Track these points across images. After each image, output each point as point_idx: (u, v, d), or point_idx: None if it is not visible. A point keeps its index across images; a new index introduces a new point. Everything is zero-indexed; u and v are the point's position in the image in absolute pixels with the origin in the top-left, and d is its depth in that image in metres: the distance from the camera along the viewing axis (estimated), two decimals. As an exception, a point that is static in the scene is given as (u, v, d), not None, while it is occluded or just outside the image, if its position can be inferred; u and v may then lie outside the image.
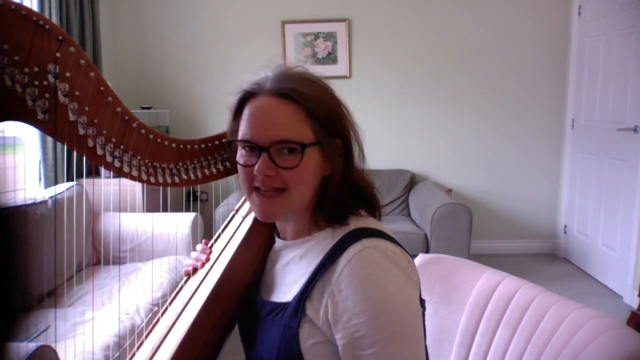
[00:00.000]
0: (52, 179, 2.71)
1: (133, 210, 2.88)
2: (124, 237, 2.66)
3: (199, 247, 1.00)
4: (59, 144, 2.72)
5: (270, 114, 0.78)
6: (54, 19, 2.69)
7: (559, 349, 0.89)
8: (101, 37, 3.30)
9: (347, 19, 3.75)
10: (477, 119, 3.82)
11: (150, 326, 0.90)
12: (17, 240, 0.36)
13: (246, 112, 0.81)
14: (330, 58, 3.79)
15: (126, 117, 0.83)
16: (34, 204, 2.20)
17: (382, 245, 0.77)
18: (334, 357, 0.77)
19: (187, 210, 3.40)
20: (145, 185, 0.90)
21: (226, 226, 1.03)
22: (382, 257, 0.76)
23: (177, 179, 0.91)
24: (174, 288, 2.08)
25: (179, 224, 2.67)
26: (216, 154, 0.95)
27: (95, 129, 0.80)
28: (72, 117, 0.77)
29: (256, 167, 0.77)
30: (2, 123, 0.74)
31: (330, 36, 3.77)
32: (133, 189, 2.91)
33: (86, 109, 0.78)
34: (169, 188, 0.92)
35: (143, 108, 3.50)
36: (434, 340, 1.16)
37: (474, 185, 3.88)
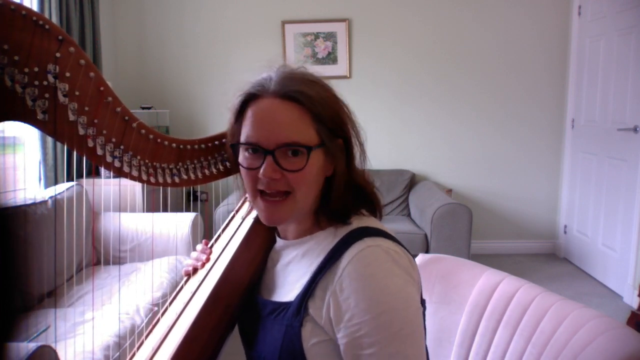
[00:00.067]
0: (52, 179, 2.71)
1: (133, 210, 2.88)
2: (124, 237, 2.66)
3: (199, 247, 1.00)
4: (59, 144, 2.72)
5: (275, 116, 0.77)
6: (54, 19, 2.69)
7: (559, 349, 0.89)
8: (101, 37, 3.30)
9: (347, 19, 3.75)
10: (477, 119, 3.82)
11: (151, 326, 0.90)
12: (17, 240, 0.36)
13: (249, 114, 0.80)
14: (330, 58, 3.79)
15: (126, 117, 0.83)
16: (34, 204, 2.20)
17: (384, 244, 0.77)
18: (336, 356, 0.77)
19: (187, 210, 3.40)
20: (145, 185, 0.90)
21: (226, 226, 1.03)
22: (384, 256, 0.76)
23: (177, 179, 0.91)
24: (174, 288, 2.08)
25: (179, 224, 2.67)
26: (216, 154, 0.94)
27: (95, 129, 0.80)
28: (72, 117, 0.77)
29: (262, 170, 0.77)
30: (2, 123, 0.74)
31: (330, 36, 3.77)
32: (133, 189, 2.91)
33: (86, 109, 0.78)
34: (169, 188, 0.92)
35: (143, 108, 3.50)
36: (434, 340, 1.16)
37: (474, 185, 3.88)
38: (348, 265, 0.75)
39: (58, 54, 0.74)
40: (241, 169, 0.82)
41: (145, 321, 1.93)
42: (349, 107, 0.85)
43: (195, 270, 0.96)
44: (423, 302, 0.83)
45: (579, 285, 3.27)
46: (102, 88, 0.79)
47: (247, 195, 0.97)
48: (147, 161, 0.87)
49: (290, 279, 0.85)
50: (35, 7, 2.61)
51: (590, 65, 3.45)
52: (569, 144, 3.74)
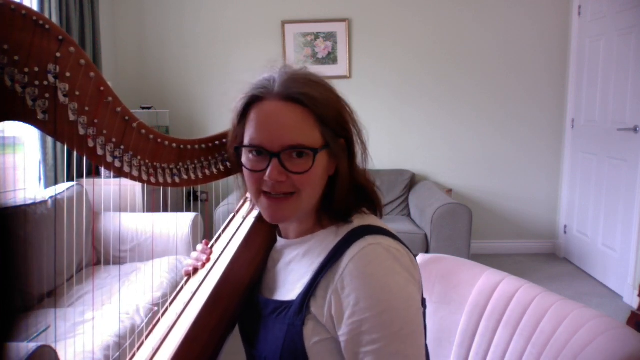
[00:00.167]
0: (52, 179, 2.71)
1: (133, 210, 2.88)
2: (124, 237, 2.66)
3: (199, 247, 1.00)
4: (59, 144, 2.72)
5: (280, 118, 0.77)
6: (54, 19, 2.69)
7: (559, 349, 0.89)
8: (101, 37, 3.30)
9: (347, 19, 3.75)
10: (477, 119, 3.82)
11: (151, 326, 0.90)
12: (17, 240, 0.36)
13: (253, 117, 0.80)
14: (330, 58, 3.79)
15: (126, 117, 0.83)
16: (34, 204, 2.20)
17: (385, 242, 0.77)
18: (338, 355, 0.77)
19: (188, 210, 3.40)
20: (145, 185, 0.90)
21: (227, 226, 1.03)
22: (385, 254, 0.76)
23: (177, 179, 0.91)
24: (174, 288, 2.08)
25: (179, 224, 2.67)
26: (217, 154, 0.94)
27: (95, 129, 0.80)
28: (72, 117, 0.77)
29: (267, 173, 0.77)
30: (2, 123, 0.74)
31: (330, 36, 3.77)
32: (133, 189, 2.91)
33: (86, 109, 0.78)
34: (169, 188, 0.92)
35: (143, 108, 3.50)
36: (434, 340, 1.16)
37: (474, 185, 3.88)
38: (349, 264, 0.75)
39: (58, 54, 0.74)
40: (245, 170, 0.82)
41: (145, 321, 1.93)
42: (351, 107, 0.85)
43: (195, 270, 0.96)
44: (424, 301, 0.83)
45: (579, 285, 3.27)
46: (102, 88, 0.79)
47: (247, 195, 0.98)
48: (147, 161, 0.87)
49: (291, 278, 0.85)
50: (35, 7, 2.61)
51: (590, 65, 3.45)
52: (569, 144, 3.74)
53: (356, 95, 3.70)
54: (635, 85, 2.93)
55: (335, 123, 0.80)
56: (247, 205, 1.02)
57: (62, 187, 2.46)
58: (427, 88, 3.81)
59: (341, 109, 0.82)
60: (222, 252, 0.95)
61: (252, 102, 0.81)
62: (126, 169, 0.85)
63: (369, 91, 3.80)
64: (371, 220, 0.83)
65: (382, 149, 3.80)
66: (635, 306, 2.72)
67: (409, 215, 3.58)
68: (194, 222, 2.70)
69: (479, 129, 3.83)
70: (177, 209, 3.37)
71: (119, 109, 0.82)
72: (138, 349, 0.86)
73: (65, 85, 0.75)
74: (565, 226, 3.80)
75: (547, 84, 3.78)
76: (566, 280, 3.38)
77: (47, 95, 0.74)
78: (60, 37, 0.74)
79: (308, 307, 0.78)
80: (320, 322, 0.77)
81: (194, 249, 1.01)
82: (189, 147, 0.92)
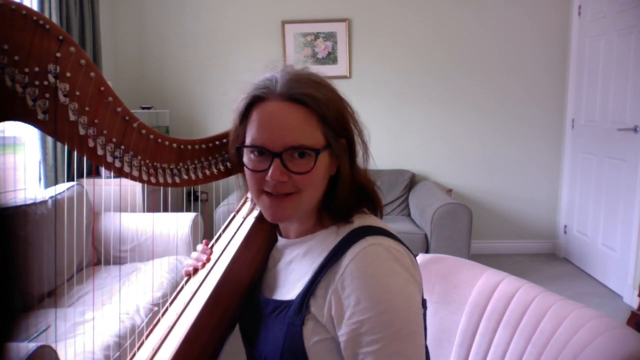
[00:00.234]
0: (52, 179, 2.71)
1: (133, 210, 2.88)
2: (124, 237, 2.66)
3: (199, 247, 1.00)
4: (59, 144, 2.72)
5: (282, 119, 0.77)
6: (54, 19, 2.69)
7: (559, 349, 0.89)
8: (101, 37, 3.30)
9: (347, 19, 3.75)
10: (477, 119, 3.83)
11: (151, 326, 0.90)
12: (17, 240, 0.36)
13: (255, 117, 0.80)
14: (330, 58, 3.79)
15: (127, 117, 0.83)
16: (34, 204, 2.20)
17: (386, 243, 0.77)
18: (338, 355, 0.77)
19: (188, 210, 3.40)
20: (145, 185, 0.90)
21: (227, 226, 1.03)
22: (385, 254, 0.76)
23: (177, 179, 0.91)
24: (174, 288, 2.08)
25: (179, 224, 2.67)
26: (217, 154, 0.94)
27: (95, 129, 0.80)
28: (72, 117, 0.77)
29: (269, 173, 0.77)
30: (2, 123, 0.74)
31: (330, 36, 3.77)
32: (133, 189, 2.91)
33: (87, 109, 0.78)
34: (169, 188, 0.92)
35: (143, 108, 3.50)
36: (434, 340, 1.16)
37: (474, 185, 3.88)
38: (350, 264, 0.75)
39: (58, 54, 0.74)
40: (246, 170, 0.82)
41: (145, 321, 1.93)
42: (353, 107, 0.85)
43: (195, 270, 0.96)
44: (424, 302, 0.83)
45: (579, 285, 3.27)
46: (102, 88, 0.79)
47: (248, 195, 0.98)
48: (147, 161, 0.87)
49: (292, 278, 0.85)
50: (35, 7, 2.61)
51: (590, 65, 3.45)
52: (569, 144, 3.74)
53: (356, 95, 3.67)
54: (635, 85, 2.93)
55: (336, 123, 0.80)
56: (248, 205, 1.02)
57: (62, 187, 2.46)
58: (427, 88, 3.81)
59: (343, 109, 0.82)
60: (223, 252, 0.95)
61: (254, 102, 0.81)
62: (126, 169, 0.85)
63: (369, 91, 3.80)
64: (372, 220, 0.83)
65: (382, 149, 3.80)
66: (635, 306, 2.72)
67: (409, 215, 3.58)
68: (194, 222, 2.70)
69: (479, 129, 3.83)
70: (177, 209, 3.37)
71: (119, 109, 0.82)
72: (138, 348, 0.86)
73: (66, 85, 0.75)
74: (565, 226, 3.80)
75: (547, 84, 3.78)
76: (566, 280, 3.38)
77: (47, 95, 0.74)
78: (61, 37, 0.74)
79: (308, 307, 0.78)
80: (320, 322, 0.77)
81: (194, 249, 1.01)
82: (189, 147, 0.92)
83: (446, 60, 3.78)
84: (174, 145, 0.90)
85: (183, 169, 0.92)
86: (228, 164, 0.95)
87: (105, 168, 0.83)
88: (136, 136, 0.85)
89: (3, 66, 0.70)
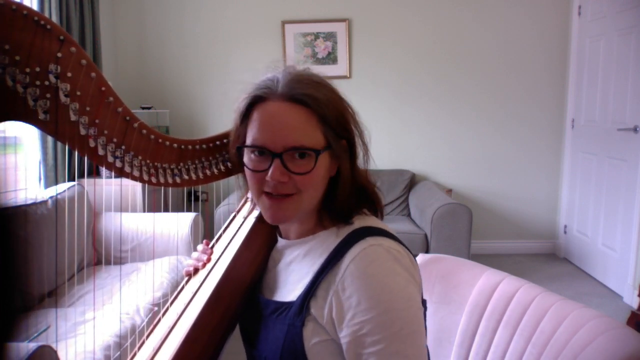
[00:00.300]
0: (52, 179, 2.71)
1: (134, 210, 2.88)
2: (125, 237, 2.66)
3: (200, 247, 1.00)
4: (59, 144, 2.72)
5: (283, 119, 0.77)
6: (54, 19, 2.69)
7: (559, 349, 0.89)
8: (101, 37, 3.30)
9: (347, 19, 3.75)
10: (477, 119, 3.83)
11: (152, 326, 0.90)
12: (17, 240, 0.36)
13: (256, 117, 0.80)
14: (330, 58, 3.79)
15: (127, 118, 0.83)
16: (34, 204, 2.20)
17: (386, 243, 0.77)
18: (338, 356, 0.77)
19: (188, 210, 3.40)
20: (146, 185, 0.90)
21: (227, 226, 1.03)
22: (385, 255, 0.76)
23: (178, 179, 0.91)
24: (175, 288, 2.08)
25: (179, 224, 2.67)
26: (217, 154, 0.94)
27: (96, 129, 0.80)
28: (73, 117, 0.77)
29: (269, 173, 0.77)
30: (3, 123, 0.74)
31: (330, 36, 3.77)
32: (133, 189, 2.91)
33: (87, 109, 0.78)
34: (169, 188, 0.92)
35: (143, 108, 3.50)
36: (434, 340, 1.16)
37: (474, 185, 3.89)
38: (350, 265, 0.75)
39: (59, 54, 0.74)
40: (246, 170, 0.82)
41: (145, 321, 1.93)
42: (353, 108, 0.85)
43: (196, 270, 0.96)
44: (424, 302, 0.83)
45: (579, 285, 3.27)
46: (103, 88, 0.80)
47: (248, 195, 0.98)
48: (148, 161, 0.87)
49: (292, 279, 0.85)
50: (35, 7, 2.61)
51: (590, 65, 3.45)
52: (569, 144, 3.74)
53: (356, 95, 3.67)
54: (635, 85, 2.93)
55: (337, 124, 0.80)
56: (248, 205, 1.02)
57: (62, 187, 2.46)
58: (427, 88, 3.81)
59: (344, 110, 0.82)
60: (223, 252, 0.95)
61: (255, 102, 0.81)
62: (127, 169, 0.85)
63: (369, 91, 3.80)
64: (372, 221, 0.84)
65: (382, 149, 3.80)
66: (635, 306, 2.72)
67: (409, 215, 3.58)
68: (194, 222, 2.70)
69: (479, 129, 3.83)
70: (177, 209, 3.38)
71: (120, 109, 0.82)
72: (139, 348, 0.86)
73: (67, 85, 0.75)
74: (565, 226, 3.80)
75: (547, 84, 3.78)
76: (566, 280, 3.38)
77: (48, 96, 0.74)
78: (61, 37, 0.74)
79: (308, 308, 0.78)
80: (320, 323, 0.77)
81: (194, 249, 1.01)
82: (189, 147, 0.92)
83: (446, 60, 3.78)
84: (175, 145, 0.90)
85: (184, 169, 0.92)
86: (228, 164, 0.95)
87: (106, 168, 0.83)
88: (137, 136, 0.85)
89: (4, 66, 0.70)
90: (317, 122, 0.78)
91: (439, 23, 3.75)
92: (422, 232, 3.09)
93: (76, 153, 0.80)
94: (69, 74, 0.75)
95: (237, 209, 1.07)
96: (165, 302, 0.93)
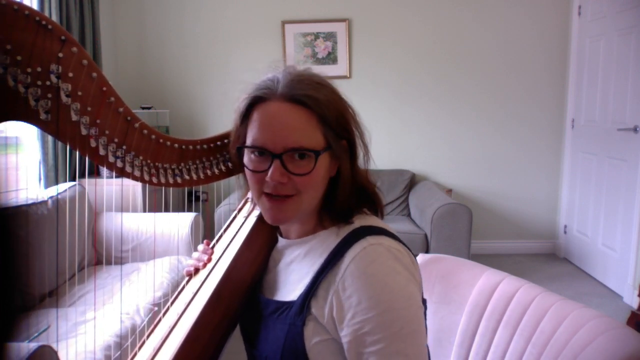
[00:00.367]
0: (52, 179, 2.71)
1: (134, 210, 2.88)
2: (125, 237, 2.66)
3: (200, 247, 1.00)
4: (59, 144, 2.72)
5: (283, 120, 0.77)
6: (54, 19, 2.69)
7: (559, 349, 0.90)
8: (101, 37, 3.30)
9: (347, 19, 3.75)
10: (477, 119, 3.83)
11: (152, 326, 0.90)
12: (17, 240, 0.36)
13: (256, 117, 0.80)
14: (330, 58, 3.79)
15: (128, 118, 0.83)
16: (34, 204, 2.20)
17: (386, 242, 0.78)
18: (339, 355, 0.77)
19: (188, 210, 3.40)
20: (146, 185, 0.90)
21: (228, 226, 1.03)
22: (386, 254, 0.76)
23: (179, 180, 0.91)
24: (175, 288, 2.08)
25: (179, 224, 2.68)
26: (218, 154, 0.95)
27: (97, 129, 0.80)
28: (74, 117, 0.77)
29: (269, 174, 0.77)
30: (4, 123, 0.74)
31: (330, 36, 3.77)
32: (134, 189, 2.91)
33: (89, 109, 0.78)
34: (170, 188, 0.92)
35: (143, 108, 3.51)
36: (434, 340, 1.16)
37: (474, 185, 3.89)
38: (350, 264, 0.76)
39: (61, 54, 0.74)
40: (246, 170, 0.82)
41: (145, 321, 1.93)
42: (354, 109, 0.85)
43: (196, 270, 0.96)
44: (424, 302, 0.84)
45: (579, 285, 3.27)
46: (104, 88, 0.80)
47: (249, 195, 0.98)
48: (149, 161, 0.87)
49: (292, 278, 0.85)
50: (35, 7, 2.61)
51: (590, 65, 3.45)
52: (569, 144, 3.75)
53: (356, 95, 3.66)
54: (635, 85, 2.93)
55: (337, 125, 0.80)
56: (248, 205, 1.03)
57: (63, 187, 2.47)
58: (427, 88, 3.81)
59: (344, 111, 0.82)
60: (224, 252, 0.95)
61: (255, 102, 0.81)
62: (128, 169, 0.85)
63: (369, 91, 3.80)
64: (372, 220, 0.84)
65: (382, 149, 3.80)
66: (635, 306, 2.72)
67: (409, 215, 3.58)
68: (195, 222, 2.70)
69: (479, 129, 3.84)
70: (177, 209, 3.38)
71: (121, 109, 0.82)
72: (139, 348, 0.86)
73: (68, 85, 0.75)
74: (565, 226, 3.80)
75: (547, 84, 3.78)
76: (566, 280, 3.38)
77: (49, 96, 0.74)
78: (63, 38, 0.74)
79: (309, 308, 0.78)
80: (320, 322, 0.77)
81: (195, 249, 1.01)
82: (190, 147, 0.92)
83: (446, 60, 3.78)
84: (176, 145, 0.90)
85: (184, 169, 0.92)
86: (229, 164, 0.95)
87: (107, 168, 0.83)
88: (138, 136, 0.85)
89: (6, 66, 0.70)
90: (317, 123, 0.78)
91: (439, 23, 3.76)
92: (422, 232, 3.09)
93: (77, 153, 0.80)
94: (71, 74, 0.75)
95: (238, 208, 1.07)
96: (165, 302, 0.94)
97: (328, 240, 0.82)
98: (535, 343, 0.96)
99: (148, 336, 0.88)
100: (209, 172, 0.94)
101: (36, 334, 1.74)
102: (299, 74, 0.81)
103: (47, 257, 2.13)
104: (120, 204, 2.85)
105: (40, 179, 2.68)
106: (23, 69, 0.71)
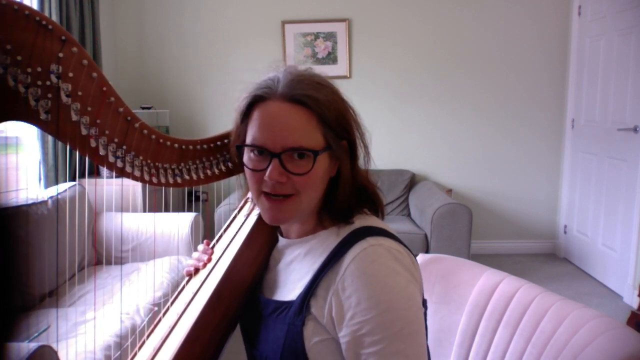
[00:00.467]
0: (52, 179, 2.71)
1: (134, 210, 2.88)
2: (125, 237, 2.66)
3: (200, 247, 1.00)
4: (59, 144, 2.72)
5: (283, 119, 0.77)
6: (54, 19, 2.69)
7: (559, 349, 0.90)
8: (101, 37, 3.30)
9: (347, 19, 3.75)
10: (477, 119, 3.83)
11: (152, 326, 0.90)
12: (17, 240, 0.36)
13: (256, 116, 0.80)
14: (330, 58, 3.79)
15: (128, 118, 0.83)
16: (34, 204, 2.20)
17: (386, 243, 0.78)
18: (338, 355, 0.77)
19: (188, 210, 3.40)
20: (146, 185, 0.90)
21: (228, 226, 1.03)
22: (386, 255, 0.76)
23: (179, 180, 0.91)
24: (175, 288, 2.08)
25: (179, 224, 2.68)
26: (218, 154, 0.95)
27: (97, 129, 0.80)
28: (74, 117, 0.77)
29: (267, 173, 0.77)
30: (4, 123, 0.74)
31: (330, 36, 3.77)
32: (134, 189, 2.91)
33: (89, 109, 0.78)
34: (170, 188, 0.92)
35: (143, 108, 3.51)
36: (434, 340, 1.16)
37: (474, 185, 3.89)
38: (350, 264, 0.76)
39: (61, 54, 0.74)
40: (246, 169, 0.82)
41: (145, 321, 1.93)
42: (355, 109, 0.85)
43: (196, 270, 0.96)
44: (424, 302, 0.84)
45: (579, 285, 3.27)
46: (104, 88, 0.80)
47: (249, 194, 0.98)
48: (149, 161, 0.87)
49: (292, 278, 0.85)
50: (35, 7, 2.61)
51: (590, 65, 3.45)
52: (569, 144, 3.75)
53: (356, 95, 3.65)
54: (635, 85, 2.93)
55: (337, 125, 0.80)
56: (249, 204, 1.03)
57: (63, 187, 2.47)
58: (427, 88, 3.81)
59: (345, 112, 0.82)
60: (224, 252, 0.95)
61: (255, 101, 0.81)
62: (128, 169, 0.85)
63: (369, 91, 3.80)
64: (372, 221, 0.84)
65: (382, 149, 3.80)
66: (635, 306, 2.72)
67: (409, 215, 3.58)
68: (195, 222, 2.70)
69: (479, 129, 3.84)
70: (177, 209, 3.38)
71: (121, 109, 0.82)
72: (139, 348, 0.86)
73: (68, 85, 0.75)
74: (565, 226, 3.80)
75: (547, 84, 3.78)
76: (566, 280, 3.38)
77: (49, 96, 0.74)
78: (63, 38, 0.74)
79: (308, 308, 0.78)
80: (320, 322, 0.77)
81: (195, 249, 1.01)
82: (190, 147, 0.92)
83: (446, 60, 3.78)
84: (176, 145, 0.90)
85: (184, 169, 0.92)
86: (229, 164, 0.95)
87: (107, 168, 0.83)
88: (138, 136, 0.85)
89: (6, 66, 0.70)
90: (317, 123, 0.78)
91: (439, 23, 3.76)
92: (422, 232, 3.09)
93: (77, 153, 0.80)
94: (71, 74, 0.75)
95: (238, 208, 1.07)
96: (165, 302, 0.94)
97: (328, 240, 0.82)
98: (535, 343, 0.96)
99: (148, 336, 0.88)
100: (209, 172, 0.94)
101: (36, 334, 1.74)
102: (300, 73, 0.81)
103: (47, 257, 2.13)
104: (120, 204, 2.85)
105: (40, 179, 2.68)
106: (23, 69, 0.71)
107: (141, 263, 2.54)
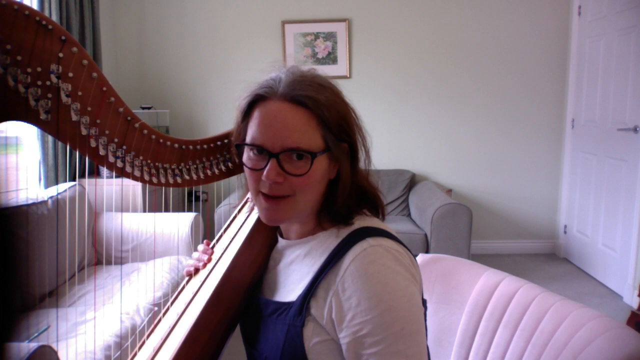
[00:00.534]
0: (52, 179, 2.71)
1: (134, 210, 2.88)
2: (125, 237, 2.66)
3: (200, 247, 1.00)
4: (59, 144, 2.72)
5: (283, 120, 0.77)
6: (54, 19, 2.69)
7: (559, 349, 0.90)
8: (101, 37, 3.30)
9: (347, 19, 3.75)
10: (477, 119, 3.83)
11: (152, 326, 0.90)
12: (17, 240, 0.36)
13: (256, 116, 0.80)
14: (330, 58, 3.79)
15: (129, 118, 0.83)
16: (34, 204, 2.20)
17: (386, 244, 0.77)
18: (338, 356, 0.77)
19: (188, 210, 3.40)
20: (146, 185, 0.90)
21: (228, 226, 1.03)
22: (386, 255, 0.76)
23: (179, 180, 0.91)
24: (175, 288, 2.08)
25: (179, 224, 2.68)
26: (218, 154, 0.95)
27: (97, 129, 0.80)
28: (74, 117, 0.78)
29: (265, 172, 0.77)
30: (4, 123, 0.74)
31: (330, 36, 3.77)
32: (134, 189, 2.91)
33: (89, 109, 0.78)
34: (170, 188, 0.92)
35: (143, 108, 3.51)
36: (434, 340, 1.16)
37: (474, 185, 3.89)
38: (350, 265, 0.75)
39: (61, 54, 0.74)
40: (245, 168, 0.82)
41: (145, 321, 1.93)
42: (356, 111, 0.85)
43: (196, 270, 0.96)
44: (424, 302, 0.83)
45: (579, 285, 3.27)
46: (104, 88, 0.80)
47: (249, 194, 0.98)
48: (149, 161, 0.87)
49: (292, 279, 0.85)
50: (35, 7, 2.61)
51: (590, 65, 3.45)
52: (569, 144, 3.75)
53: (356, 95, 3.64)
54: (635, 85, 2.93)
55: (338, 127, 0.80)
56: (249, 204, 1.03)
57: (63, 187, 2.47)
58: (427, 88, 3.81)
59: (346, 114, 0.82)
60: (224, 252, 0.95)
61: (256, 100, 0.81)
62: (128, 169, 0.85)
63: (369, 91, 3.80)
64: (372, 222, 0.83)
65: (382, 149, 3.80)
66: (635, 306, 2.72)
67: (409, 215, 3.58)
68: (195, 222, 2.70)
69: (479, 129, 3.84)
70: (177, 209, 3.38)
71: (121, 109, 0.82)
72: (139, 348, 0.86)
73: (68, 85, 0.75)
74: (565, 226, 3.80)
75: (547, 84, 3.78)
76: (566, 280, 3.38)
77: (49, 96, 0.74)
78: (63, 38, 0.74)
79: (308, 309, 0.78)
80: (320, 323, 0.77)
81: (195, 249, 1.01)
82: (190, 147, 0.92)
83: (446, 60, 3.78)
84: (176, 145, 0.90)
85: (184, 169, 0.92)
86: (229, 164, 0.95)
87: (107, 168, 0.83)
88: (138, 136, 0.85)
89: (6, 66, 0.70)
90: (317, 125, 0.78)
91: (439, 23, 3.76)
92: (422, 232, 3.09)
93: (77, 153, 0.80)
94: (71, 74, 0.75)
95: (238, 208, 1.07)
96: (165, 302, 0.94)
97: (328, 241, 0.82)
98: (535, 343, 0.96)
99: (148, 336, 0.88)
100: (209, 172, 0.94)
101: (36, 334, 1.74)
102: (302, 74, 0.81)
103: (47, 257, 2.13)
104: (120, 204, 2.86)
105: (40, 179, 2.68)
106: (23, 69, 0.71)
107: (141, 263, 2.54)
